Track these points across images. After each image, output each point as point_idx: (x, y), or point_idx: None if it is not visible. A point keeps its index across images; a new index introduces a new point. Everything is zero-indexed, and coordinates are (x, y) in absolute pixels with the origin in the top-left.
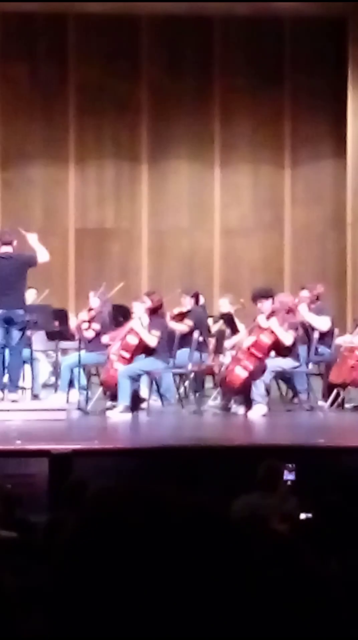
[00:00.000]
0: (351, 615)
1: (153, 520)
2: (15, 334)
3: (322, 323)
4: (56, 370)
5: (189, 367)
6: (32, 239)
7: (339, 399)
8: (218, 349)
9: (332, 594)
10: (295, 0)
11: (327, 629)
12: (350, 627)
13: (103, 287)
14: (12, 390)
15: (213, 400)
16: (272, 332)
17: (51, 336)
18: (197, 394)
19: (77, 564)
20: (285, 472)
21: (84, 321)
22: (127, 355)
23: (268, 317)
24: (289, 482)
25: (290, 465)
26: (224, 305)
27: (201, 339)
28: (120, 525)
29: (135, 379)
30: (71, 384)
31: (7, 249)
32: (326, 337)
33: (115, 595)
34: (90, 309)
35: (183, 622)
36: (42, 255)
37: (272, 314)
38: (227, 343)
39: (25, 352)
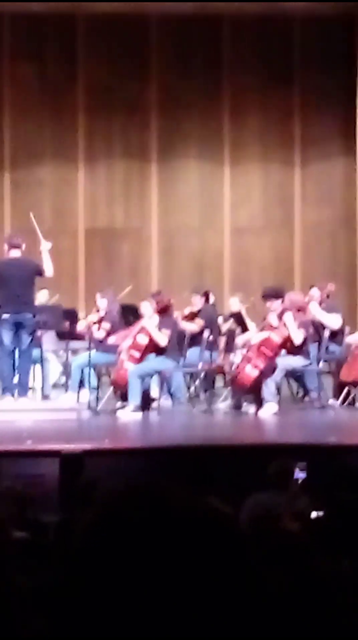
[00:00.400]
0: None
1: (162, 520)
2: (25, 337)
3: (333, 321)
4: (66, 370)
5: (200, 366)
6: (46, 247)
7: (350, 397)
8: (229, 348)
9: (341, 594)
10: (304, 2)
11: (335, 628)
12: None
13: (110, 289)
14: (23, 394)
15: (224, 400)
16: (283, 329)
17: (61, 336)
18: (207, 393)
19: (88, 564)
20: (296, 470)
21: (94, 322)
22: (137, 354)
23: (279, 315)
24: (300, 481)
25: (301, 464)
26: (234, 304)
27: (211, 338)
28: (131, 525)
29: (145, 378)
30: (81, 383)
31: (16, 253)
32: (337, 335)
33: (126, 595)
34: (97, 310)
35: (193, 621)
36: (49, 270)
37: (283, 312)
38: (238, 340)
39: (36, 352)
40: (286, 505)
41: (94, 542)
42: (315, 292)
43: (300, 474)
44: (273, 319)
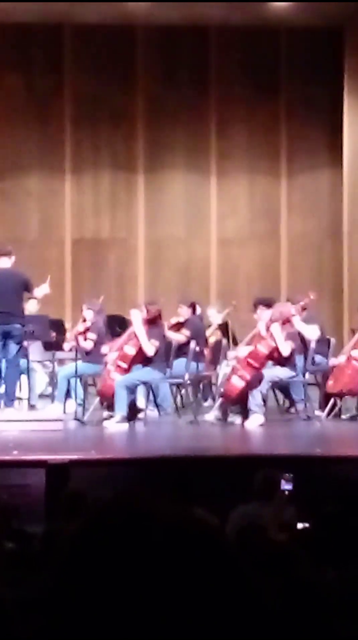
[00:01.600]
0: (346, 623)
1: (149, 531)
2: (13, 347)
3: (311, 332)
4: (52, 381)
5: (186, 377)
6: (43, 290)
7: (336, 409)
8: (215, 359)
9: (327, 603)
10: (291, 13)
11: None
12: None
13: (96, 300)
14: (9, 405)
15: (211, 411)
16: (270, 341)
17: (48, 346)
18: (194, 404)
19: (75, 575)
20: (283, 482)
21: (80, 333)
22: (124, 365)
23: (267, 325)
24: (287, 492)
25: (287, 475)
26: (213, 315)
27: (198, 348)
28: (117, 536)
29: (132, 389)
30: (67, 394)
31: (5, 262)
32: (322, 346)
33: (112, 606)
34: (84, 320)
35: (179, 632)
36: (37, 293)
37: (271, 322)
38: (229, 354)
39: (22, 362)
40: (273, 516)
41: (81, 552)
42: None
43: (286, 485)
44: (261, 327)
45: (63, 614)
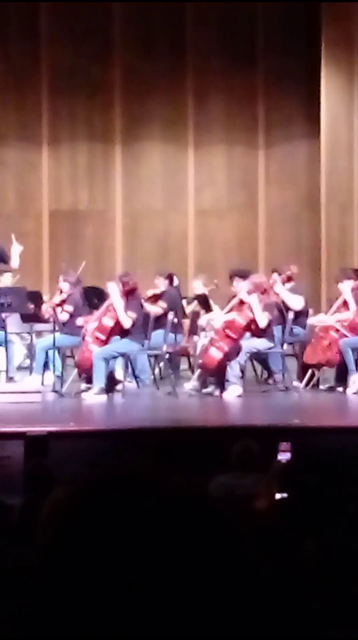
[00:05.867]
0: (323, 592)
1: (129, 499)
2: None
3: (296, 302)
4: (30, 353)
5: (164, 348)
6: (16, 250)
7: (314, 380)
8: (193, 330)
9: (306, 572)
10: None
11: (301, 604)
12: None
13: (72, 271)
14: None
15: (189, 382)
16: (247, 312)
17: (26, 318)
18: (172, 376)
19: (54, 546)
20: (279, 451)
21: (57, 305)
22: (102, 337)
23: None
24: (283, 461)
25: (284, 444)
26: (198, 286)
27: (175, 320)
28: (95, 505)
29: (110, 361)
30: (45, 366)
31: None
32: (300, 317)
33: (93, 577)
34: (61, 292)
35: (162, 603)
36: (14, 262)
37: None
38: (201, 320)
39: (0, 334)
40: (251, 487)
41: (59, 523)
42: (276, 277)
43: (283, 455)
44: (243, 294)
45: (43, 584)
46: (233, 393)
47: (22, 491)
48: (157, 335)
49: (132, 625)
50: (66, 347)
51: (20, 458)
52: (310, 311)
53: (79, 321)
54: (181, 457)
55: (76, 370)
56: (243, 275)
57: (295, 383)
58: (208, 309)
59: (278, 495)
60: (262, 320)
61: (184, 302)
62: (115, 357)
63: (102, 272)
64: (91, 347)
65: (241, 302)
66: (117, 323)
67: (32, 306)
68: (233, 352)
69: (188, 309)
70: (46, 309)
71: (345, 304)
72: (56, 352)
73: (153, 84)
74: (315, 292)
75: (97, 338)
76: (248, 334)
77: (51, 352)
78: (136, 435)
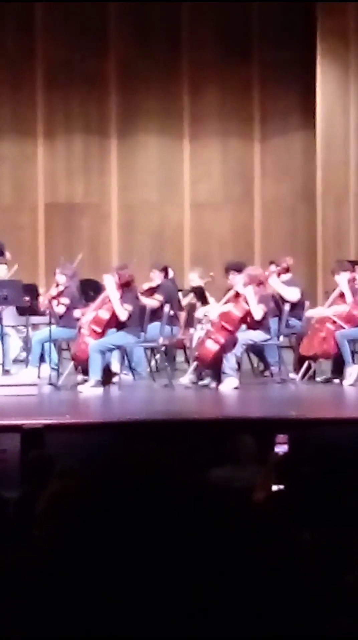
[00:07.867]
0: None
1: (129, 492)
2: None
3: (291, 294)
4: (26, 346)
5: (161, 341)
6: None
7: (310, 372)
8: (189, 323)
9: (304, 563)
10: None
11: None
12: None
13: (69, 264)
14: None
15: (186, 374)
16: (243, 304)
17: (22, 311)
18: (168, 368)
19: (53, 539)
20: (277, 444)
21: (53, 297)
22: (98, 329)
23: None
24: (280, 454)
25: (281, 437)
26: (194, 279)
27: (171, 312)
28: (94, 498)
29: (106, 353)
30: (42, 358)
31: None
32: (297, 309)
33: (92, 570)
34: (57, 285)
35: (161, 596)
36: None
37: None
38: (198, 313)
39: None
40: (248, 479)
41: (56, 516)
42: (273, 269)
43: (280, 447)
44: (239, 287)
45: (39, 577)
46: (229, 385)
47: (20, 484)
48: (153, 327)
49: (132, 618)
50: (62, 339)
51: (16, 451)
52: (307, 303)
53: (76, 313)
54: (178, 449)
55: (72, 363)
56: (239, 268)
57: (292, 375)
58: (204, 301)
59: (274, 488)
60: (257, 313)
61: (180, 294)
62: (111, 350)
63: (98, 265)
64: (87, 339)
65: (237, 295)
66: (114, 315)
67: (28, 299)
68: (229, 344)
69: (184, 302)
70: (43, 301)
71: (341, 295)
72: (52, 344)
73: (148, 77)
74: (311, 285)
75: (93, 331)
76: (244, 326)
77: (47, 345)
78: (133, 427)
